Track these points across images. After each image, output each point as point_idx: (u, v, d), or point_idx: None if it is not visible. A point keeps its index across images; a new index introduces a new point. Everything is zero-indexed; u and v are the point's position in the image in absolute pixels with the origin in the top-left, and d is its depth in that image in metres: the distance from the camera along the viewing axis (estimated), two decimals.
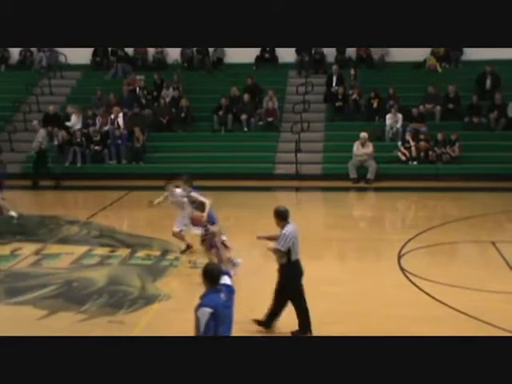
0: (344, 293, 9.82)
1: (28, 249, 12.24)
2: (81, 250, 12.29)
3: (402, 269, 10.91)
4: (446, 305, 9.26)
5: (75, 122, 20.44)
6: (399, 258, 11.48)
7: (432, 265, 11.34)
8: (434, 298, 9.57)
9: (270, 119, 20.49)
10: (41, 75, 22.91)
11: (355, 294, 9.85)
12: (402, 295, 9.81)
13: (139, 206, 15.39)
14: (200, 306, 5.61)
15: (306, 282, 10.13)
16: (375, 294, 9.88)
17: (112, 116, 20.32)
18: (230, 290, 5.90)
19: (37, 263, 11.56)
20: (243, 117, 20.43)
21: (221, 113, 20.53)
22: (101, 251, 12.28)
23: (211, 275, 5.76)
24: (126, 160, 19.87)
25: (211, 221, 10.59)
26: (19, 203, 17.68)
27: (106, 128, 20.21)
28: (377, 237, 13.40)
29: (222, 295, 5.74)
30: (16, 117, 21.29)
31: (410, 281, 10.35)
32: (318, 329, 8.17)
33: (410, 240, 12.49)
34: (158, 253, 12.04)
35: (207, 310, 5.53)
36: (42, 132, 19.15)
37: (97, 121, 20.49)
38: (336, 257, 12.64)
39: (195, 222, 10.74)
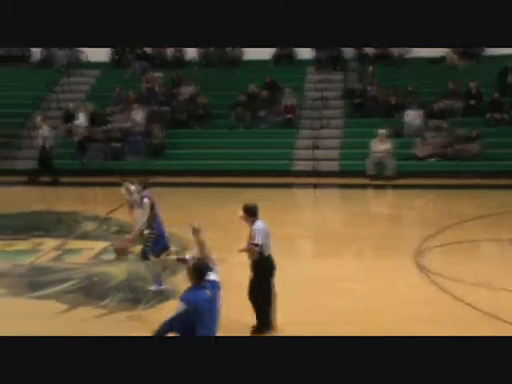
0: (360, 291, 9.83)
1: (49, 244, 12.39)
2: (100, 245, 12.43)
3: (419, 267, 10.91)
4: (465, 303, 9.25)
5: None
6: (417, 256, 11.48)
7: (450, 263, 11.31)
8: (452, 296, 9.56)
9: (288, 116, 20.53)
10: (61, 73, 23.10)
11: (371, 292, 9.85)
12: (418, 294, 9.81)
13: (157, 202, 15.52)
14: (180, 298, 5.85)
15: (322, 279, 10.22)
16: (390, 292, 9.87)
17: (131, 113, 20.47)
18: (215, 285, 6.01)
19: (58, 258, 11.71)
20: (261, 113, 20.48)
21: (239, 110, 20.60)
22: None
23: (198, 271, 5.88)
24: (145, 157, 20.01)
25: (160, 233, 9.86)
26: (39, 199, 17.91)
27: (124, 125, 20.36)
28: (394, 234, 13.40)
29: (207, 291, 5.86)
30: (36, 114, 21.49)
31: (428, 279, 10.34)
32: (328, 328, 8.17)
33: (427, 238, 12.48)
34: (175, 248, 12.12)
35: (183, 306, 5.73)
36: (46, 128, 19.33)
37: (116, 118, 20.66)
38: (353, 254, 12.66)
39: (120, 250, 10.19)
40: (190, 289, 5.90)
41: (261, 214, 8.29)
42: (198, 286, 5.85)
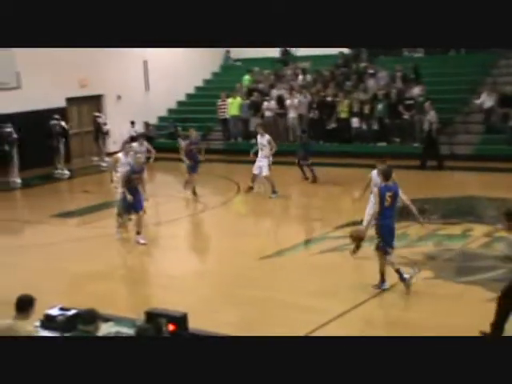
0: None
1: (479, 230, 12.35)
2: None
3: None
4: None
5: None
6: None
7: None
8: None
9: None
10: (498, 56, 22.52)
11: None
12: None
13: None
14: None
15: None
16: None
17: None
18: None
19: (487, 245, 11.61)
20: None
21: None
22: None
23: None
24: None
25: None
26: (472, 185, 17.77)
27: None
28: None
29: None
30: (472, 99, 21.45)
31: None
32: None
33: None
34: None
35: None
36: (432, 113, 19.00)
37: None
38: None
39: (354, 237, 10.20)
40: None
41: None
42: None
